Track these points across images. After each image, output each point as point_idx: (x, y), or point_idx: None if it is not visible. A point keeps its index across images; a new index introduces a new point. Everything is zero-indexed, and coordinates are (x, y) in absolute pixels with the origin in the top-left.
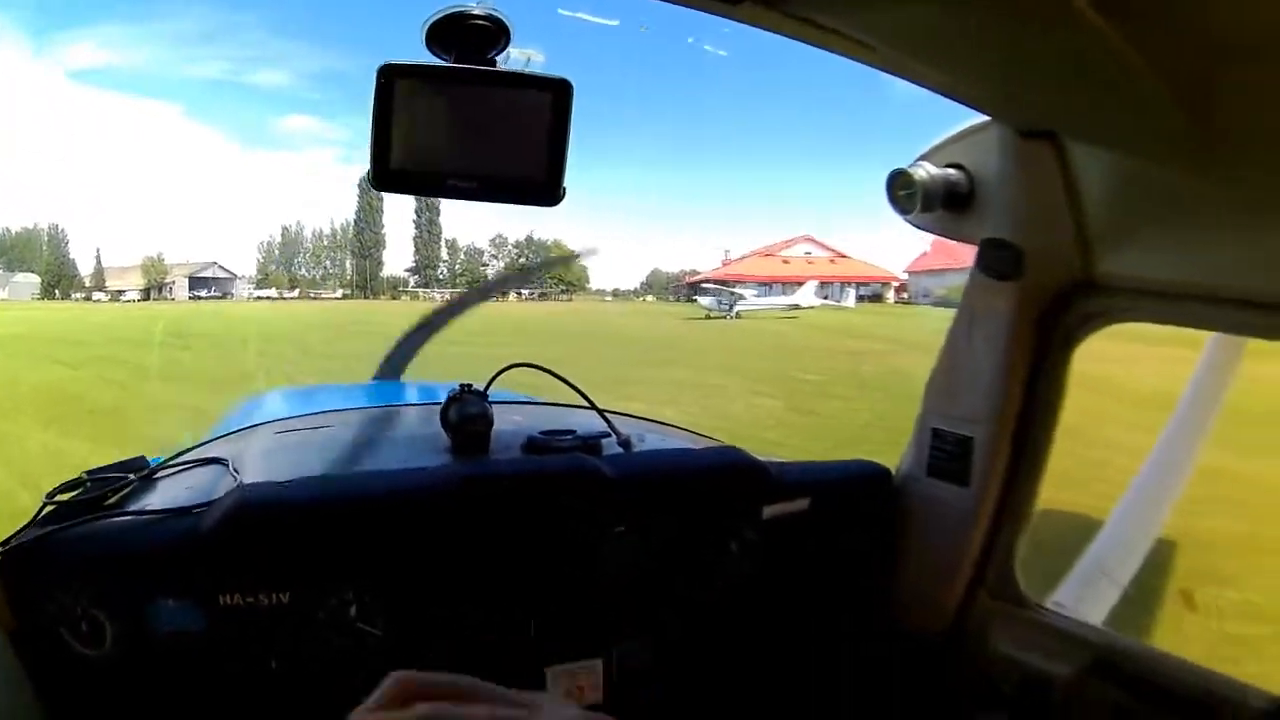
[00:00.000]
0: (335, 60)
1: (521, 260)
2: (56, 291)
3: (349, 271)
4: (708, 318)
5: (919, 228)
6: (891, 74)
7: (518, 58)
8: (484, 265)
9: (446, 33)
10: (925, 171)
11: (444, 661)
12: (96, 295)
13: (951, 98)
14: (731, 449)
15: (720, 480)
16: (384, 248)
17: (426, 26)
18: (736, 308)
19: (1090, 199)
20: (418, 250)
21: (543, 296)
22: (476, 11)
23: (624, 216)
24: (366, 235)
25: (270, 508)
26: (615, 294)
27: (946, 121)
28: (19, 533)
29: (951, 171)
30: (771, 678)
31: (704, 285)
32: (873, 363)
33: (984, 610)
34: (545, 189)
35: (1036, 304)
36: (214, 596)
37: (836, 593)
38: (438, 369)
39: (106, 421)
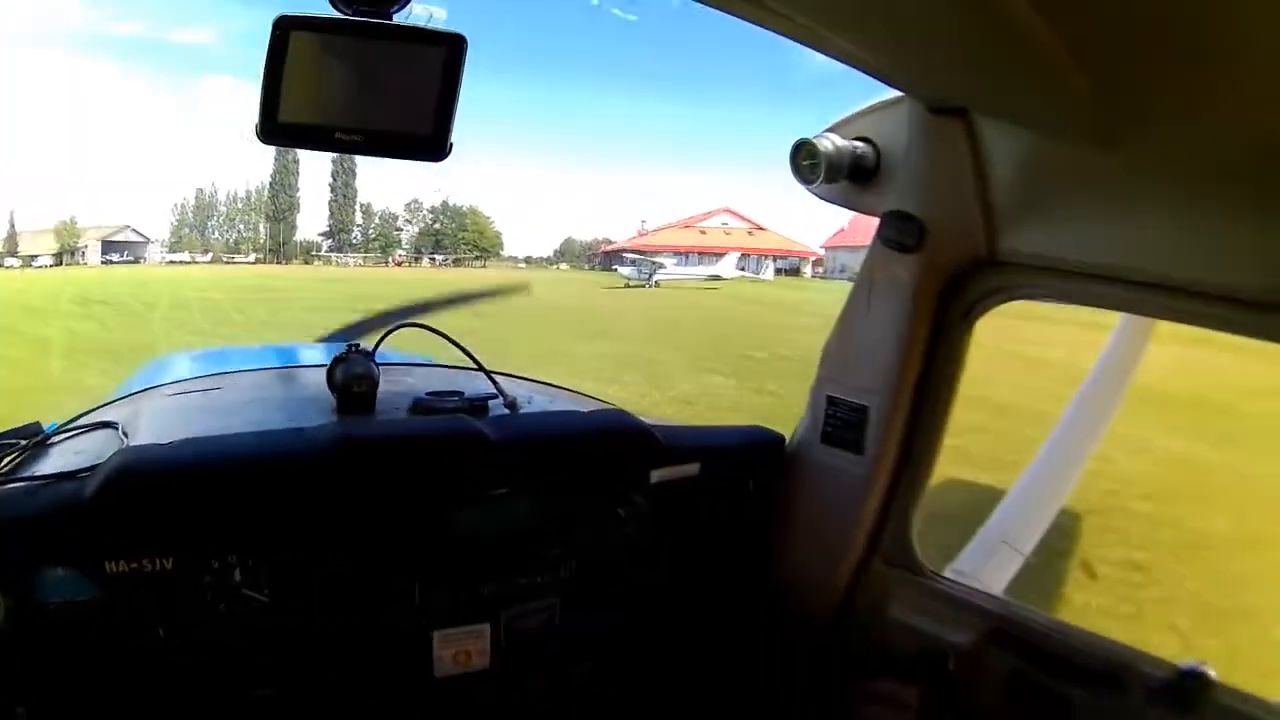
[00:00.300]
0: (261, 22)
1: (436, 225)
2: None
3: (263, 235)
4: (627, 286)
5: (822, 198)
6: (807, 45)
7: (419, 14)
8: (398, 230)
9: None
10: (830, 143)
11: (330, 625)
12: (9, 261)
13: (865, 71)
14: (619, 411)
15: (607, 443)
16: (298, 211)
17: None
18: (656, 277)
19: (997, 176)
20: (332, 214)
21: (456, 263)
22: None
23: (538, 182)
24: (281, 198)
25: (151, 470)
26: (528, 261)
27: (860, 96)
28: None
29: (859, 144)
30: (661, 643)
31: (624, 254)
32: (816, 337)
33: (879, 578)
34: (432, 144)
35: (938, 277)
36: (100, 564)
37: (727, 558)
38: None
39: None
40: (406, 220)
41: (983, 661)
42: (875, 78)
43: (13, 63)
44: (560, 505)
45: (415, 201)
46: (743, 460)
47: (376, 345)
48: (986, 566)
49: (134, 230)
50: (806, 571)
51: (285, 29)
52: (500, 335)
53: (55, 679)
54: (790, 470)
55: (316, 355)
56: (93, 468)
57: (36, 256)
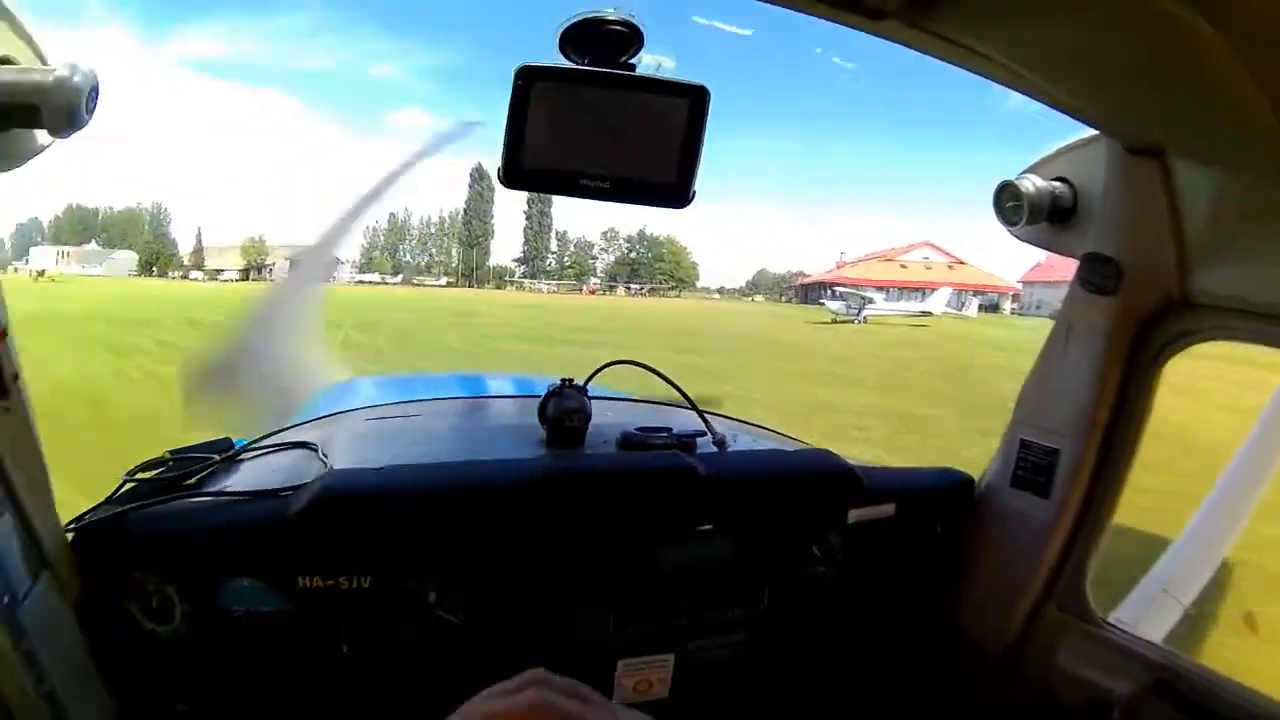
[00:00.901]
0: (445, 56)
1: (632, 254)
2: (154, 269)
3: (455, 259)
4: (834, 321)
5: (1023, 240)
6: (1010, 87)
7: (649, 63)
8: (593, 258)
9: (581, 37)
10: (1031, 184)
11: (518, 650)
12: (194, 274)
13: (1063, 111)
14: (824, 452)
15: (811, 483)
16: (492, 237)
17: (561, 30)
18: (864, 312)
19: (1193, 217)
20: (527, 241)
21: (652, 292)
22: (611, 16)
23: (732, 214)
24: (475, 225)
25: (360, 493)
26: (721, 292)
27: (1054, 134)
28: (96, 509)
29: (1057, 184)
30: (838, 680)
31: (833, 288)
32: None
33: (1051, 623)
34: (676, 191)
35: (1132, 320)
36: (293, 578)
37: (910, 599)
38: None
39: (121, 442)
40: (602, 248)
41: (1144, 713)
42: (1073, 118)
43: (199, 90)
44: (759, 542)
45: (611, 230)
46: (933, 502)
47: (588, 380)
48: (1147, 615)
49: None
50: (983, 614)
51: (528, 79)
52: (726, 377)
53: (224, 682)
54: (978, 512)
55: (506, 386)
56: (296, 486)
57: (222, 270)
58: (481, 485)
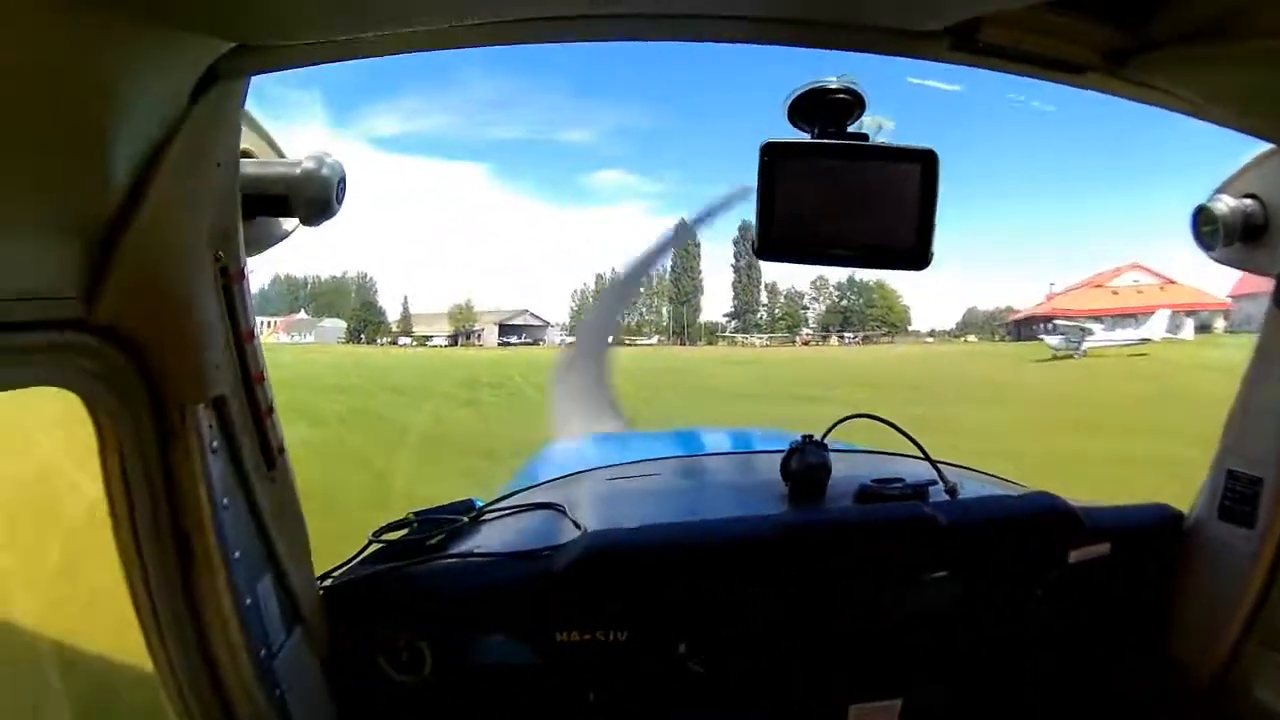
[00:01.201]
0: (637, 117)
1: (843, 302)
2: (362, 336)
3: (665, 318)
4: (1054, 358)
5: (1221, 263)
6: (1200, 119)
7: (870, 125)
8: (804, 308)
9: (809, 107)
10: (1225, 205)
11: (757, 698)
12: (402, 340)
13: (1251, 134)
14: (1046, 494)
15: (1036, 526)
16: (702, 294)
17: (789, 102)
18: (1084, 345)
19: None
20: (736, 295)
21: (865, 340)
22: (834, 85)
23: (940, 254)
24: (684, 282)
25: (620, 553)
26: (933, 334)
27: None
28: (345, 569)
29: (1248, 202)
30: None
31: (1051, 322)
32: None
33: (1251, 659)
34: (915, 254)
35: None
36: (551, 633)
37: (1121, 635)
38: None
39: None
40: (812, 298)
41: None
42: (1263, 140)
43: (391, 166)
44: (986, 586)
45: (820, 279)
46: (1145, 538)
47: (825, 435)
48: None
49: (532, 314)
50: (1185, 650)
51: (773, 154)
52: (958, 429)
53: None
54: (1186, 547)
55: (732, 441)
56: (554, 547)
57: (431, 337)
58: (733, 543)
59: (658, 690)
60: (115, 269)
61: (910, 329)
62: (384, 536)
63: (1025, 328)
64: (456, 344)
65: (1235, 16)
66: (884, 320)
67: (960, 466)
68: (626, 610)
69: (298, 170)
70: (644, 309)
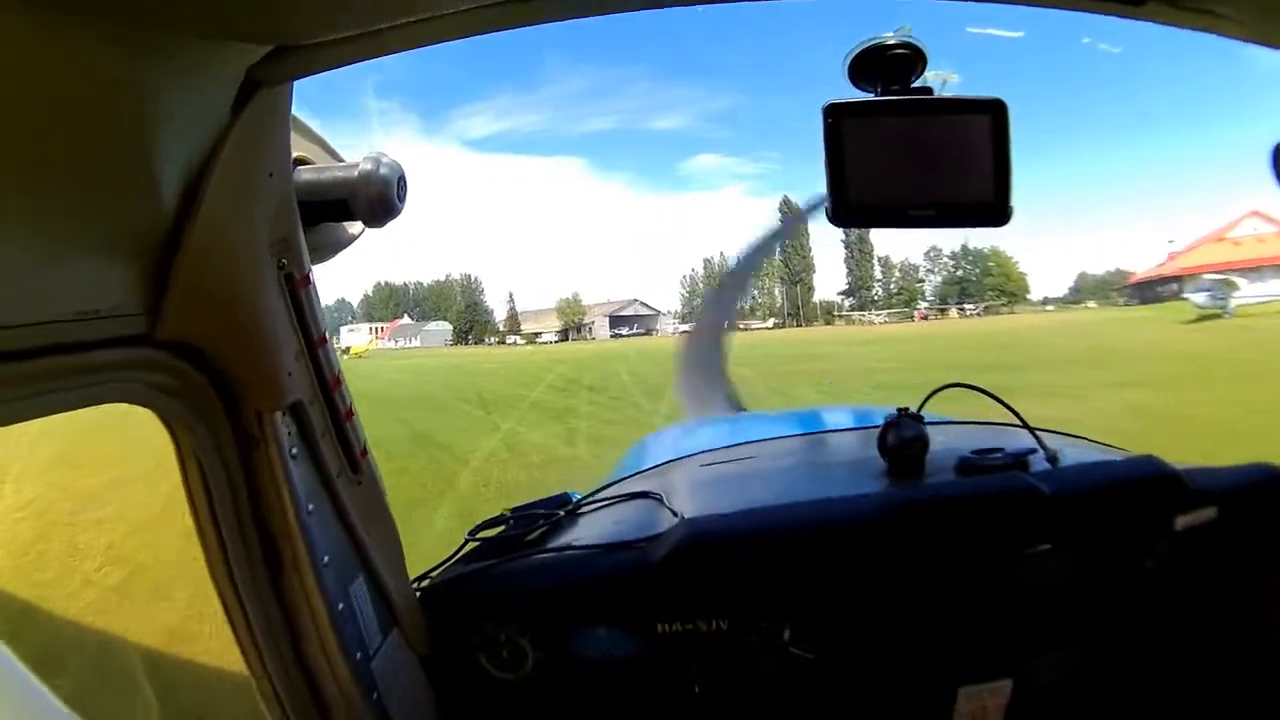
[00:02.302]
0: (729, 98)
1: (959, 272)
2: (469, 338)
3: (778, 299)
4: (1200, 319)
5: None
6: (1269, 46)
7: (934, 80)
8: (919, 281)
9: (869, 65)
10: None
11: (867, 682)
12: (510, 338)
13: None
14: (1150, 458)
15: (1144, 491)
16: (814, 272)
17: (849, 61)
18: (1233, 302)
19: None
20: (850, 272)
21: (987, 310)
22: (893, 41)
23: (1039, 214)
24: (795, 261)
25: (718, 540)
26: (1047, 302)
27: None
28: (443, 568)
29: None
30: (1174, 692)
31: (1204, 277)
32: None
33: None
34: (995, 209)
35: None
36: (652, 624)
37: (1232, 604)
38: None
39: None
40: (928, 270)
41: None
42: None
43: (485, 166)
44: (1095, 557)
45: (934, 249)
46: (1250, 501)
47: (921, 406)
48: None
49: (642, 303)
50: None
51: (837, 116)
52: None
53: None
54: None
55: (831, 419)
56: (651, 537)
57: (540, 334)
58: (832, 523)
59: (763, 678)
60: (176, 283)
61: (1028, 298)
62: (480, 535)
63: (1149, 290)
64: (567, 339)
65: None
66: (1002, 289)
67: (1059, 433)
68: (727, 598)
69: (355, 173)
70: (756, 292)
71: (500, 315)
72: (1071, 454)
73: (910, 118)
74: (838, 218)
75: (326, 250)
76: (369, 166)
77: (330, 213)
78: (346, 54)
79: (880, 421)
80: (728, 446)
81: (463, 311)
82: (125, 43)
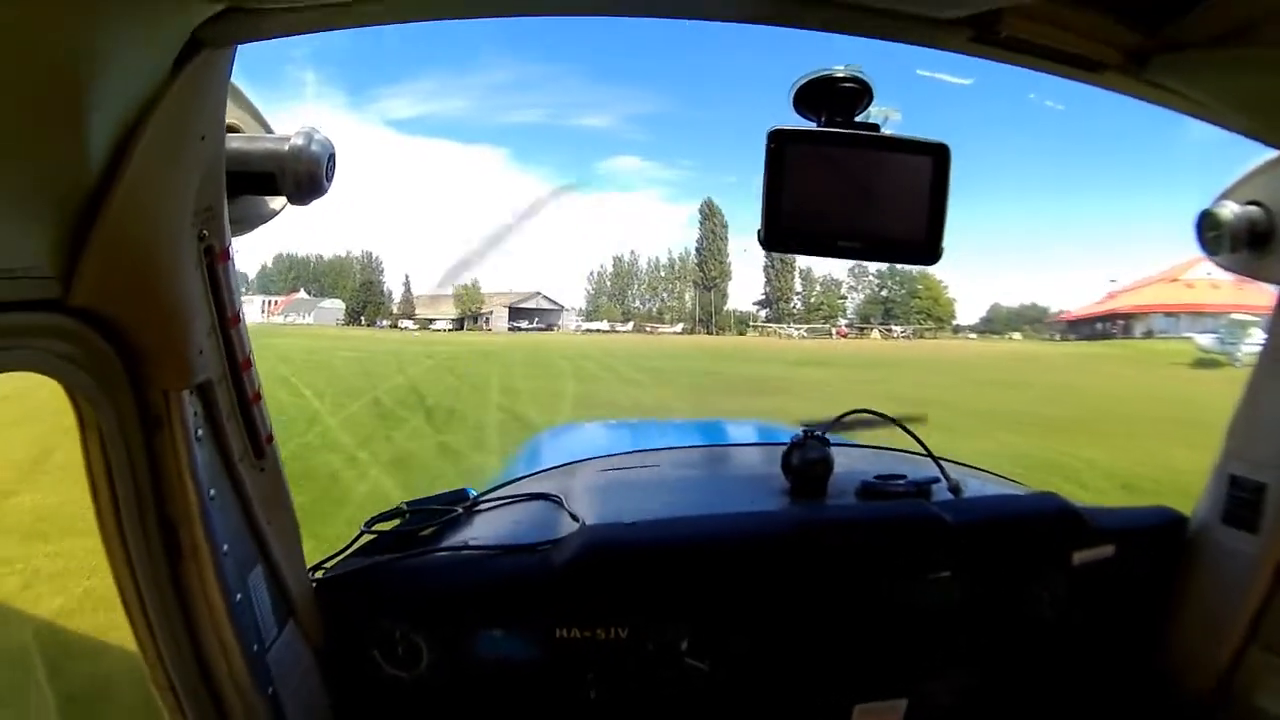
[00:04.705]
0: (654, 104)
1: (883, 292)
2: (362, 318)
3: (688, 304)
4: (1198, 363)
5: (1226, 269)
6: (1210, 123)
7: (877, 115)
8: (841, 297)
9: (815, 95)
10: (1229, 210)
11: (760, 696)
12: (404, 323)
13: (1262, 142)
14: (1051, 495)
15: (1042, 525)
16: (729, 279)
17: (795, 89)
18: (1243, 347)
19: None
20: (769, 281)
21: (917, 333)
22: (842, 74)
23: (966, 252)
24: (710, 266)
25: (621, 549)
26: (958, 330)
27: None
28: (339, 559)
29: (1252, 208)
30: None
31: (1234, 317)
32: None
33: (1255, 665)
34: (925, 249)
35: None
36: (550, 630)
37: (1120, 639)
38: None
39: None
40: (851, 286)
41: None
42: (1268, 145)
43: (407, 148)
44: (990, 585)
45: (859, 266)
46: (1148, 541)
47: (827, 430)
48: None
49: (546, 297)
50: (1186, 655)
51: (781, 142)
52: None
53: None
54: (1188, 550)
55: (737, 433)
56: (552, 541)
57: (434, 320)
58: (735, 538)
59: (659, 688)
60: (93, 247)
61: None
62: (376, 527)
63: (1086, 326)
64: (462, 327)
65: (1261, 22)
66: (929, 313)
67: (962, 464)
68: (626, 607)
69: (286, 146)
70: (665, 294)
71: (398, 297)
72: (974, 485)
73: (855, 150)
74: (769, 242)
75: (245, 224)
76: (300, 141)
77: (254, 185)
78: (295, 23)
79: (785, 439)
80: (629, 452)
81: (357, 290)
82: None
